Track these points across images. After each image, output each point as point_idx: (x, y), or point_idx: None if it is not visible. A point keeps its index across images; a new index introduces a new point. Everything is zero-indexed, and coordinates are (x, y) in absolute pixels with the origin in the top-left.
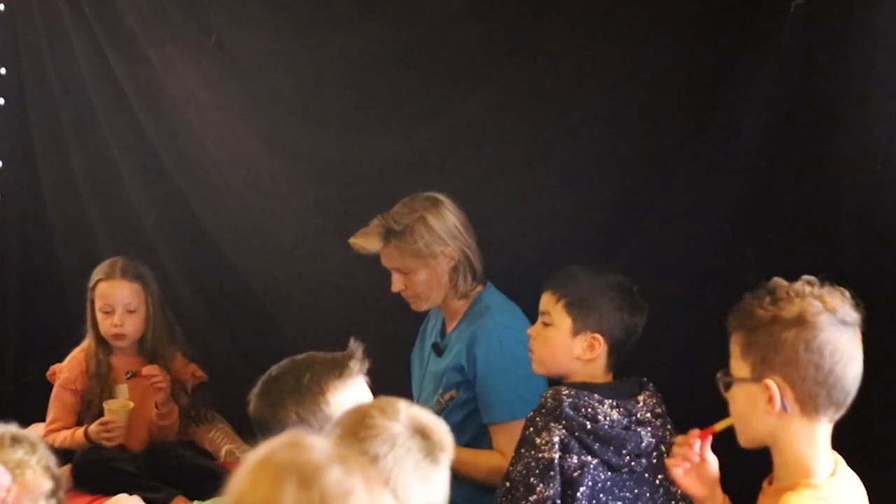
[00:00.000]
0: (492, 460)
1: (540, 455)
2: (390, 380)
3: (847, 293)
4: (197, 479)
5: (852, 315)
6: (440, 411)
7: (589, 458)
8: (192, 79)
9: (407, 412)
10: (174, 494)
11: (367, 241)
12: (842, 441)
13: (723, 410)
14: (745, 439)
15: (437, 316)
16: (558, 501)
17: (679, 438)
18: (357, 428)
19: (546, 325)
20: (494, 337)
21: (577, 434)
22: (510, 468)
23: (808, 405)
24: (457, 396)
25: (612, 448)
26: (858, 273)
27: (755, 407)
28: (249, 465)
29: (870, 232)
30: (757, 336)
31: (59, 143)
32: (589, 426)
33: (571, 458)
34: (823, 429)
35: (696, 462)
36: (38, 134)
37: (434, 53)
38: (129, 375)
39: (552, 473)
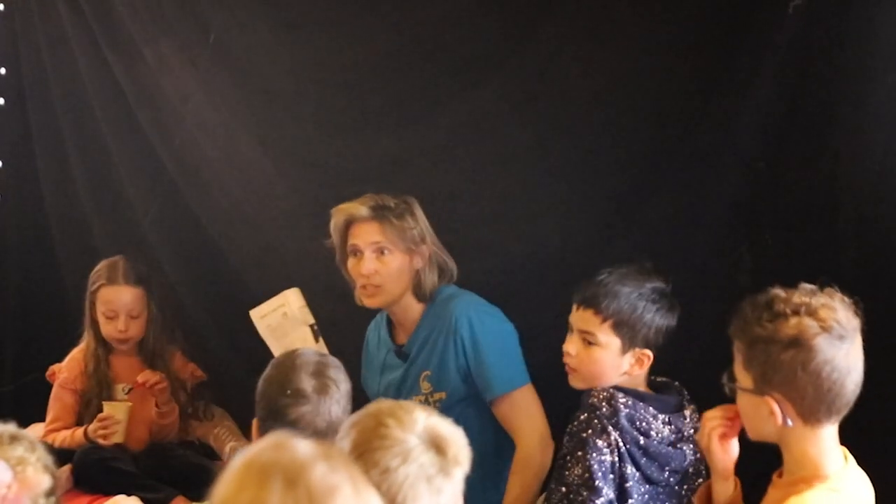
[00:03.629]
0: (526, 461)
1: (602, 458)
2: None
3: (846, 299)
4: (197, 479)
5: (850, 325)
6: None
7: (634, 470)
8: (189, 78)
9: (425, 423)
10: (174, 494)
11: (357, 207)
12: (842, 441)
13: None
14: (753, 436)
15: (378, 330)
16: None
17: (716, 411)
18: (371, 436)
19: (590, 343)
20: (464, 315)
21: (628, 446)
22: (566, 472)
23: (810, 418)
24: (445, 399)
25: (656, 464)
26: (856, 274)
27: (759, 415)
28: (234, 468)
29: (868, 233)
30: (755, 352)
31: (59, 143)
32: (641, 441)
33: (626, 466)
34: (828, 430)
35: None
36: (38, 134)
37: (431, 53)
38: (126, 391)
39: (612, 476)
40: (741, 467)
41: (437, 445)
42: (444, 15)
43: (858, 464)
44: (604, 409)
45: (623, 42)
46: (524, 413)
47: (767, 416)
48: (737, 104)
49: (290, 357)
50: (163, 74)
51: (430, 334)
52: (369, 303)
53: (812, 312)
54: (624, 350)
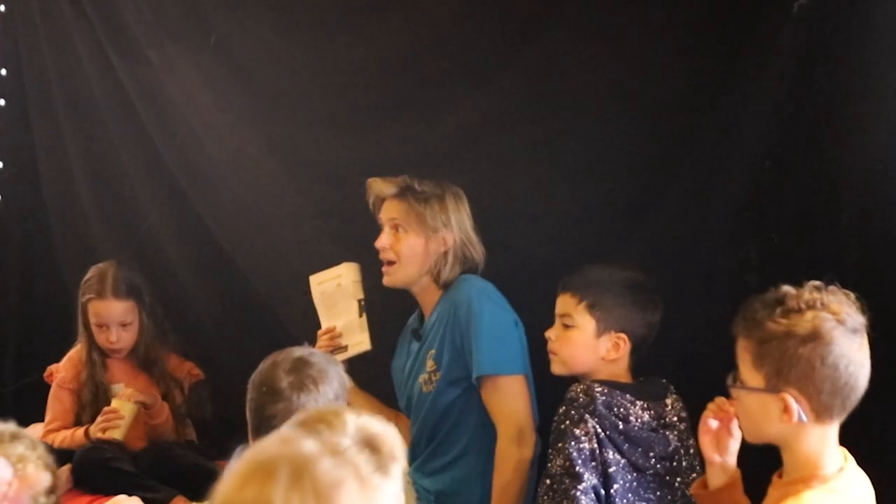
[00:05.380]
0: (502, 452)
1: (581, 445)
2: (384, 378)
3: (852, 296)
4: (197, 479)
5: (859, 321)
6: (429, 392)
7: (619, 457)
8: (192, 79)
9: (355, 424)
10: (174, 494)
11: (384, 185)
12: (843, 442)
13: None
14: (753, 439)
15: (412, 324)
16: (602, 492)
17: (718, 400)
18: None
19: (567, 326)
20: (467, 295)
21: (608, 433)
22: (549, 465)
23: (824, 414)
24: (441, 378)
25: (640, 450)
26: (860, 273)
27: (769, 415)
28: (239, 464)
29: (871, 232)
30: (769, 348)
31: (59, 143)
32: (621, 426)
33: (607, 452)
34: (832, 429)
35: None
36: (38, 134)
37: (435, 53)
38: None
39: (594, 463)
40: (744, 468)
41: (370, 444)
42: (450, 15)
43: (859, 464)
44: (581, 400)
45: (629, 43)
46: (506, 402)
47: (778, 414)
48: (742, 104)
49: (274, 355)
50: (167, 75)
51: (441, 315)
52: (385, 281)
53: (826, 306)
54: (599, 332)
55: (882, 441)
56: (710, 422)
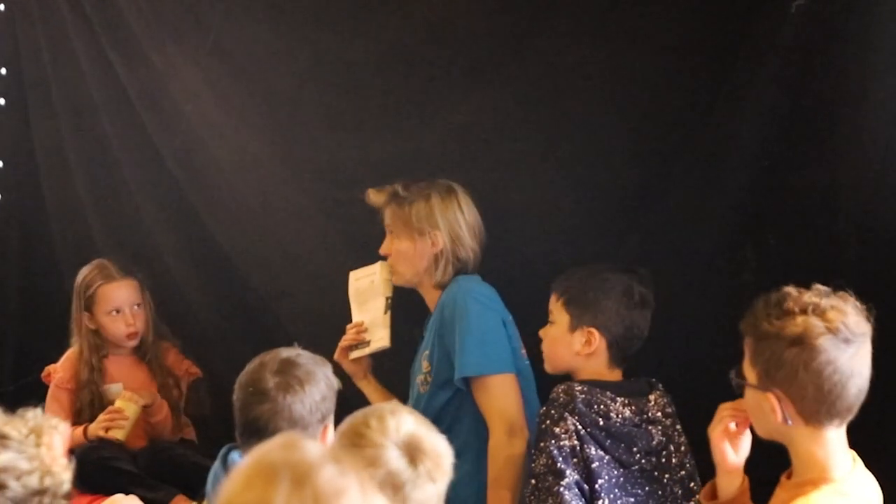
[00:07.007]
0: (493, 450)
1: (562, 443)
2: (389, 380)
3: (859, 304)
4: (197, 479)
5: (859, 330)
6: (425, 393)
7: (601, 452)
8: (193, 79)
9: (408, 431)
10: (174, 493)
11: (376, 195)
12: (848, 443)
13: None
14: (760, 432)
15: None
16: (585, 487)
17: (730, 403)
18: (350, 434)
19: (552, 323)
20: (454, 297)
21: (589, 430)
22: (532, 465)
23: (811, 418)
24: (433, 379)
25: (622, 445)
26: (857, 273)
27: (762, 411)
28: (243, 466)
29: (869, 232)
30: (761, 347)
31: (59, 142)
32: (601, 423)
33: (589, 448)
34: (833, 433)
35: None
36: (38, 134)
37: (435, 53)
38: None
39: (576, 460)
40: (749, 467)
41: (412, 456)
42: (450, 15)
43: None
44: (561, 399)
45: (628, 43)
46: (495, 401)
47: (769, 412)
48: (740, 104)
49: (262, 356)
50: (167, 75)
51: (435, 317)
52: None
53: (820, 313)
54: (572, 327)
55: (882, 442)
56: (731, 425)
